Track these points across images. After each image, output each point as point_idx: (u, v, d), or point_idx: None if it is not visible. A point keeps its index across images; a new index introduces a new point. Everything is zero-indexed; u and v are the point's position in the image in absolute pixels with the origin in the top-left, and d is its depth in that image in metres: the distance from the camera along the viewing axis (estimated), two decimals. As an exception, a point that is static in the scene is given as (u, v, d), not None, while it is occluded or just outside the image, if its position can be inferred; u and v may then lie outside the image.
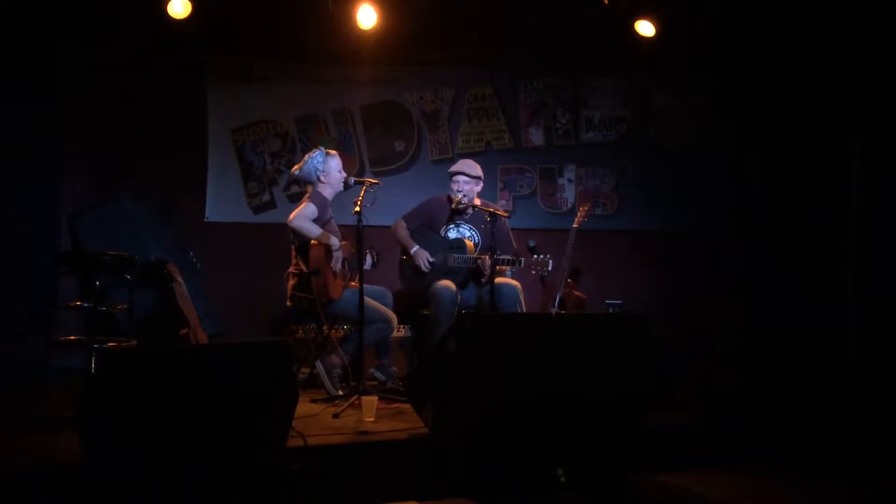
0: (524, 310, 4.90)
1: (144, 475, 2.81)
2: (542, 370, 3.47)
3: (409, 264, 5.06)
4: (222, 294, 5.78)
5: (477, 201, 5.07)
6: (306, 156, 4.73)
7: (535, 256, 4.73)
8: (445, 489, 3.39)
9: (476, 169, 5.07)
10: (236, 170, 6.22)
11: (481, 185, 5.13)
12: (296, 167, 4.77)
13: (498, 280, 4.87)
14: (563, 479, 3.38)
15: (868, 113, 5.61)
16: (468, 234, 5.12)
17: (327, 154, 4.71)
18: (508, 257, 4.81)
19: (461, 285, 4.93)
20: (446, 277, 4.90)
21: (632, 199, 6.44)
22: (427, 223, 5.14)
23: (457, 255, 4.97)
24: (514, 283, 4.93)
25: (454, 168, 5.10)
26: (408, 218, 5.15)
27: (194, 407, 2.92)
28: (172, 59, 5.90)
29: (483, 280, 4.89)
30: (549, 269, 4.74)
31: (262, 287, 5.59)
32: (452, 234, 5.11)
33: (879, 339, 5.38)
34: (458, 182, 5.01)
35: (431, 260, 4.97)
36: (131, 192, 5.49)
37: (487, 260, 4.70)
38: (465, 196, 4.99)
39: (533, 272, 4.77)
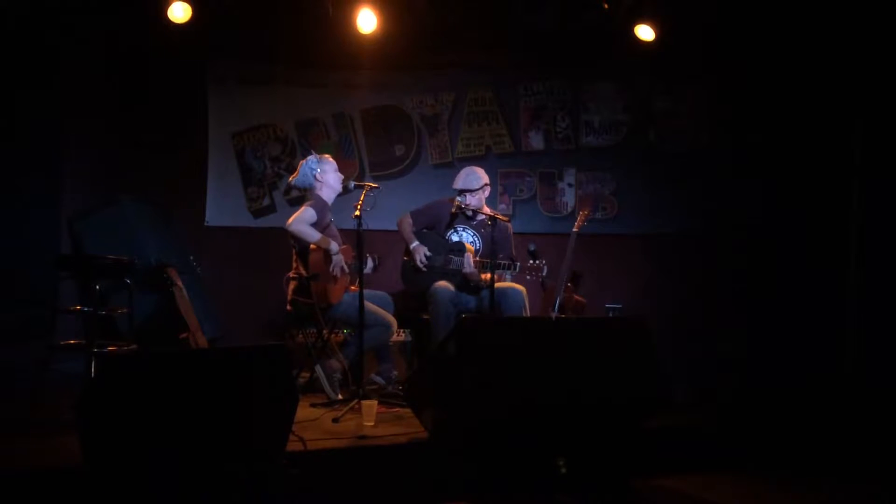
0: (528, 314, 4.90)
1: (144, 479, 2.81)
2: (543, 374, 3.46)
3: (410, 263, 5.07)
4: (222, 298, 5.78)
5: (486, 209, 5.07)
6: (300, 163, 4.77)
7: (531, 262, 4.75)
8: (446, 493, 3.39)
9: (477, 179, 5.05)
10: (236, 174, 6.23)
11: (487, 190, 5.14)
12: (292, 177, 4.81)
13: (503, 284, 4.89)
14: (563, 471, 3.37)
15: (868, 114, 5.61)
16: (470, 238, 5.12)
17: (320, 158, 4.74)
18: (504, 262, 4.83)
19: (460, 287, 4.94)
20: (444, 279, 4.91)
21: (632, 203, 6.42)
22: (432, 224, 5.17)
23: (455, 259, 4.97)
24: (520, 287, 4.93)
25: (457, 186, 5.08)
26: (415, 215, 5.17)
27: (194, 411, 2.92)
28: (173, 62, 5.90)
29: (474, 285, 4.92)
30: (545, 273, 4.76)
31: (262, 291, 5.60)
32: (455, 238, 5.12)
33: (880, 340, 5.38)
34: (465, 197, 5.03)
35: (429, 255, 4.98)
36: (131, 195, 5.49)
37: (476, 269, 4.77)
38: (470, 205, 5.00)
39: (528, 277, 4.79)
